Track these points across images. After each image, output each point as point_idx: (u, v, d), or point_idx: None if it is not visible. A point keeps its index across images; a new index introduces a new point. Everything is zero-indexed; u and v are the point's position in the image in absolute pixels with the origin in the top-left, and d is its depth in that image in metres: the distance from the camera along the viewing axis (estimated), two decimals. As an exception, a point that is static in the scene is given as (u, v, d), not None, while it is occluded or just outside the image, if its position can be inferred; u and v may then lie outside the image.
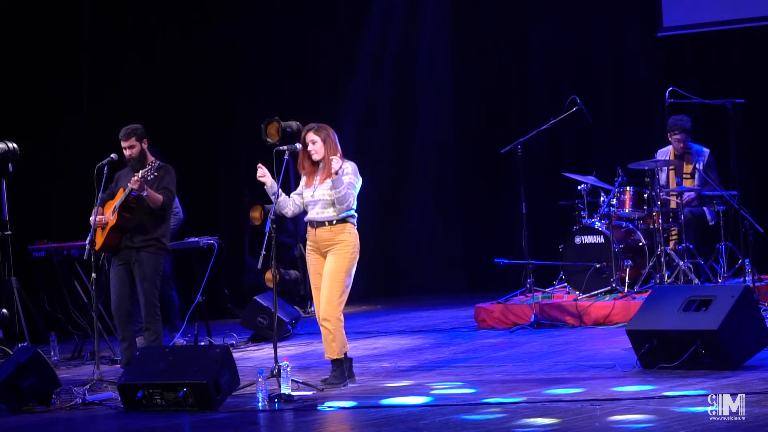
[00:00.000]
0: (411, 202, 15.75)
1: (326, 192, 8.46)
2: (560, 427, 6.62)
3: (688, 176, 11.68)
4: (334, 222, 8.47)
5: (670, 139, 11.73)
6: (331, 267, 8.46)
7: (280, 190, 8.53)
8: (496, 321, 11.38)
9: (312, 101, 14.92)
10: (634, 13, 14.29)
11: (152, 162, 9.48)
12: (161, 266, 9.59)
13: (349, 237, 8.48)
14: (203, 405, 7.81)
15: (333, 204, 8.44)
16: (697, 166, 11.59)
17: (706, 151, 11.70)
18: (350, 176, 8.47)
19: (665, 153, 11.81)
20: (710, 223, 11.52)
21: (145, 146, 9.60)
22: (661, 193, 11.26)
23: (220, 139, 15.16)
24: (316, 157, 8.51)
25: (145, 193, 9.27)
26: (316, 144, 8.51)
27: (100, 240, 9.49)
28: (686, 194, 11.49)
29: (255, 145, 13.97)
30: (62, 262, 11.34)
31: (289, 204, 8.65)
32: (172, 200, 9.63)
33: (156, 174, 9.44)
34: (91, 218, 9.42)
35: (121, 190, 9.48)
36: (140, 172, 9.29)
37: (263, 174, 8.52)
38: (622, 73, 14.39)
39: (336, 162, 8.34)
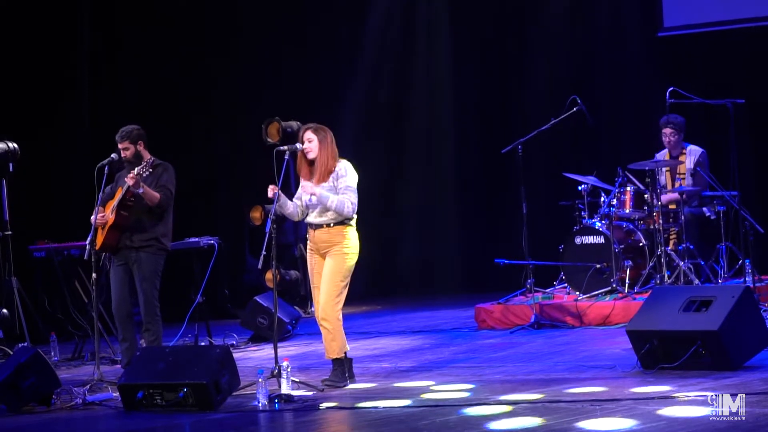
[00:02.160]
0: (411, 202, 15.76)
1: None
2: (560, 428, 6.62)
3: (683, 176, 11.70)
4: (332, 224, 8.50)
5: (662, 137, 11.75)
6: (329, 268, 8.48)
7: (284, 198, 8.54)
8: (496, 321, 11.38)
9: (312, 101, 14.93)
10: (634, 13, 14.30)
11: (148, 160, 9.48)
12: (161, 266, 9.59)
13: (347, 239, 8.50)
14: (203, 405, 7.81)
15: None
16: (687, 165, 11.60)
17: (700, 150, 11.70)
18: (346, 179, 8.48)
19: (661, 156, 11.82)
20: (711, 218, 11.49)
21: (140, 148, 9.60)
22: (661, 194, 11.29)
23: (220, 139, 15.16)
24: (310, 155, 8.53)
25: (141, 191, 9.28)
26: (312, 143, 8.53)
27: (99, 239, 9.50)
28: (669, 195, 11.49)
29: (255, 146, 13.98)
30: (62, 262, 11.34)
31: (297, 211, 8.67)
32: (171, 199, 9.62)
33: (152, 171, 9.44)
34: (92, 218, 9.43)
35: (120, 189, 9.49)
36: (136, 169, 9.31)
37: (277, 192, 8.53)
38: (622, 73, 14.39)
39: (308, 188, 8.40)
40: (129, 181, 9.27)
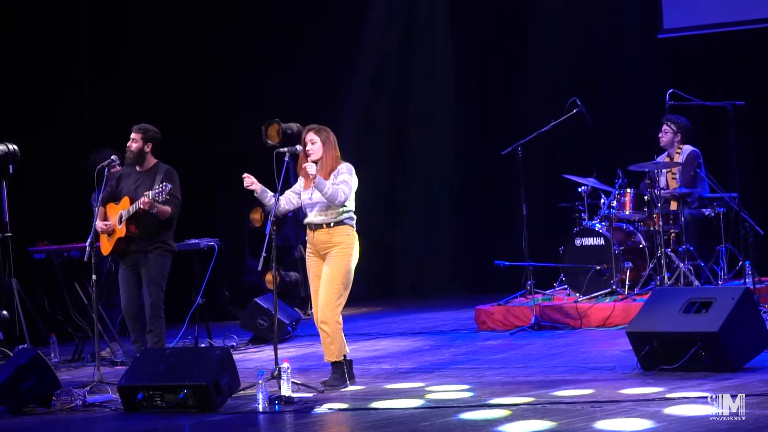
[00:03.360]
0: (411, 203, 15.76)
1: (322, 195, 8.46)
2: (560, 429, 6.63)
3: (674, 176, 11.72)
4: (332, 224, 8.48)
5: (659, 132, 11.79)
6: (329, 270, 8.46)
7: (262, 189, 8.52)
8: (496, 323, 11.38)
9: (312, 102, 14.93)
10: (634, 15, 14.30)
11: (164, 186, 9.37)
12: (168, 268, 9.60)
13: (347, 239, 8.48)
14: (203, 406, 7.81)
15: (330, 207, 8.45)
16: (679, 160, 11.63)
17: (690, 148, 11.70)
18: (344, 175, 8.48)
19: (661, 159, 11.84)
20: (710, 216, 11.50)
21: (147, 149, 9.60)
22: (659, 192, 11.30)
23: (220, 139, 15.16)
24: (313, 157, 8.52)
25: (155, 210, 9.30)
26: (315, 144, 8.53)
27: (107, 246, 9.56)
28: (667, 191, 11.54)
29: (255, 147, 13.98)
30: (62, 263, 11.33)
31: (282, 203, 8.64)
32: (179, 207, 9.61)
33: (168, 198, 9.36)
34: (96, 223, 9.43)
35: (127, 198, 9.47)
36: (150, 193, 9.25)
37: (250, 183, 8.50)
38: (622, 74, 14.40)
39: (311, 168, 8.36)
40: (143, 205, 9.25)
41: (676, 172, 11.68)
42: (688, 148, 11.73)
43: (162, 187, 9.33)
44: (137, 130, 9.61)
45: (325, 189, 8.36)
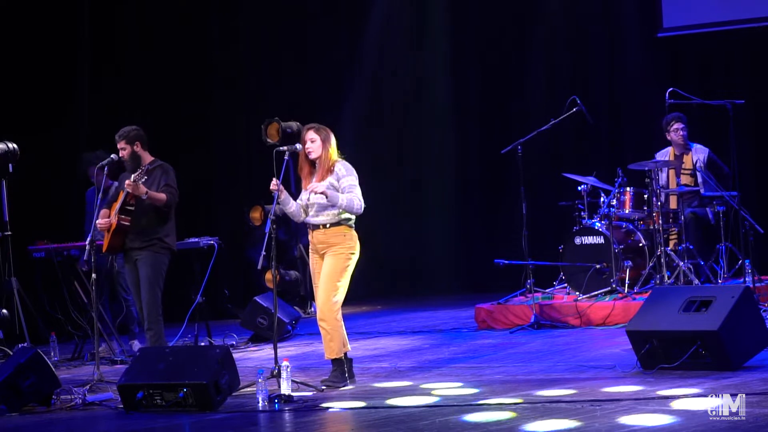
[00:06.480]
0: (411, 202, 15.76)
1: (321, 195, 8.46)
2: (560, 428, 6.62)
3: (688, 172, 11.70)
4: (328, 225, 8.50)
5: (669, 135, 11.77)
6: (327, 269, 8.49)
7: (287, 195, 8.53)
8: (496, 322, 11.39)
9: (312, 102, 14.93)
10: (634, 14, 14.31)
11: (145, 164, 9.43)
12: (165, 265, 9.58)
13: (344, 239, 8.50)
14: (203, 405, 7.81)
15: (327, 207, 8.45)
16: (697, 165, 11.62)
17: (706, 149, 11.74)
18: (347, 179, 8.48)
19: (664, 154, 11.85)
20: (711, 222, 11.54)
21: (137, 149, 9.56)
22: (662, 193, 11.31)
23: (220, 139, 15.16)
24: (312, 155, 8.53)
25: (145, 196, 9.28)
26: (314, 143, 8.54)
27: (105, 243, 9.53)
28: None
29: (255, 146, 13.98)
30: (62, 262, 11.34)
31: (299, 211, 8.64)
32: (176, 197, 9.61)
33: (147, 177, 9.40)
34: (98, 221, 9.44)
35: (121, 193, 9.49)
36: (132, 176, 9.29)
37: (276, 187, 8.47)
38: (622, 73, 14.41)
39: (319, 187, 8.39)
40: (128, 188, 9.26)
41: (691, 167, 11.65)
42: (703, 148, 11.73)
43: (143, 168, 9.37)
44: (119, 139, 9.57)
45: (339, 202, 8.39)
